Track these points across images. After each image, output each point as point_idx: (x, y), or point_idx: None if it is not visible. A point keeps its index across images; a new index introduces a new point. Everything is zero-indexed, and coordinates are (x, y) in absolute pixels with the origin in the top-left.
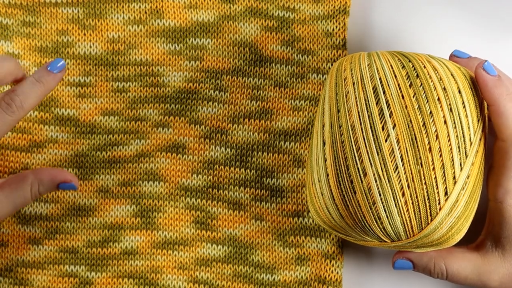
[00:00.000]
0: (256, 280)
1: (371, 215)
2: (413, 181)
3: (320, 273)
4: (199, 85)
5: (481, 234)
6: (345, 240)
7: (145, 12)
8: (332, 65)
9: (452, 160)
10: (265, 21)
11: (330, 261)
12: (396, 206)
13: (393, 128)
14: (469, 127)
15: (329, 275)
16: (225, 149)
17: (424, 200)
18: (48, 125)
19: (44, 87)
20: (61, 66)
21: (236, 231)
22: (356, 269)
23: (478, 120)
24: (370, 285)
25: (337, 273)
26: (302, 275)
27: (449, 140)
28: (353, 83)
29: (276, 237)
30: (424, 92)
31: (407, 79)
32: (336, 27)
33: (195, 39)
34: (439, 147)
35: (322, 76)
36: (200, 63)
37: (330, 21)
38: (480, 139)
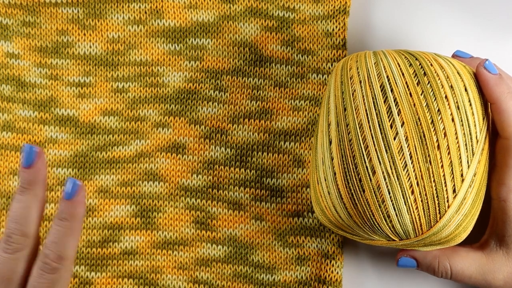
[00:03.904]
0: (256, 280)
1: (380, 213)
2: (422, 179)
3: (320, 273)
4: (199, 85)
5: (485, 233)
6: (345, 240)
7: (145, 12)
8: (332, 65)
9: (460, 157)
10: (265, 21)
11: (330, 261)
12: (405, 204)
13: (402, 126)
14: (475, 125)
15: (329, 275)
16: (225, 149)
17: (433, 197)
18: (48, 125)
19: (71, 221)
20: (76, 187)
21: (236, 231)
22: (356, 269)
23: (484, 118)
24: (370, 285)
25: (337, 273)
26: (302, 275)
27: (456, 138)
28: (360, 82)
29: (276, 237)
30: (432, 90)
31: (414, 77)
32: (336, 27)
33: (195, 39)
34: (447, 145)
35: (322, 76)
36: (200, 63)
37: (330, 21)
38: (486, 137)
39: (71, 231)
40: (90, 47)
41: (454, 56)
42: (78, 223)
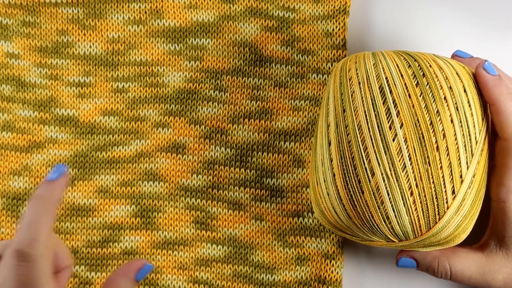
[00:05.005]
0: (256, 280)
1: (380, 214)
2: (421, 180)
3: (320, 273)
4: (199, 85)
5: (485, 234)
6: (345, 240)
7: (145, 12)
8: (332, 65)
9: (459, 159)
10: (265, 21)
11: (330, 261)
12: (404, 206)
13: (401, 127)
14: (474, 126)
15: (329, 275)
16: (225, 149)
17: (432, 199)
18: (48, 125)
19: (49, 203)
20: (60, 172)
21: (236, 231)
22: (356, 269)
23: (483, 119)
24: (370, 285)
25: (337, 273)
26: (302, 275)
27: (455, 139)
28: (359, 83)
29: (276, 237)
30: (431, 91)
31: (413, 78)
32: (336, 27)
33: (195, 39)
34: (446, 146)
35: (322, 76)
36: (200, 63)
37: (330, 21)
38: (485, 138)
39: (40, 211)
40: (90, 47)
41: (454, 56)
42: (52, 204)
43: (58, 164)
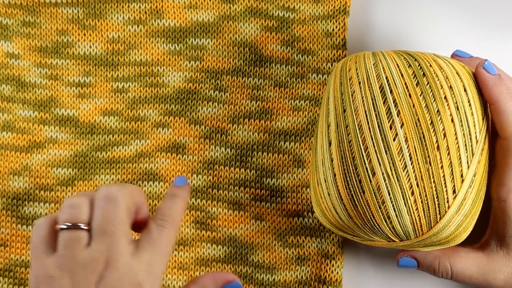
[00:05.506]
0: (256, 280)
1: (381, 214)
2: (422, 179)
3: (320, 273)
4: (199, 85)
5: (486, 233)
6: (345, 240)
7: (145, 12)
8: (332, 65)
9: (460, 158)
10: (265, 21)
11: (330, 261)
12: (405, 205)
13: (401, 127)
14: (475, 125)
15: (329, 275)
16: (225, 149)
17: (433, 198)
18: (48, 125)
19: (181, 198)
20: (185, 181)
21: (236, 231)
22: (356, 269)
23: (483, 118)
24: (370, 285)
25: (337, 273)
26: (302, 275)
27: (456, 139)
28: (359, 83)
29: (276, 237)
30: (431, 90)
31: (413, 78)
32: (336, 27)
33: (195, 39)
34: (447, 146)
35: (322, 76)
36: (200, 63)
37: (330, 21)
38: (485, 137)
39: (182, 204)
40: (90, 47)
41: (454, 55)
42: (185, 201)
43: (181, 177)
